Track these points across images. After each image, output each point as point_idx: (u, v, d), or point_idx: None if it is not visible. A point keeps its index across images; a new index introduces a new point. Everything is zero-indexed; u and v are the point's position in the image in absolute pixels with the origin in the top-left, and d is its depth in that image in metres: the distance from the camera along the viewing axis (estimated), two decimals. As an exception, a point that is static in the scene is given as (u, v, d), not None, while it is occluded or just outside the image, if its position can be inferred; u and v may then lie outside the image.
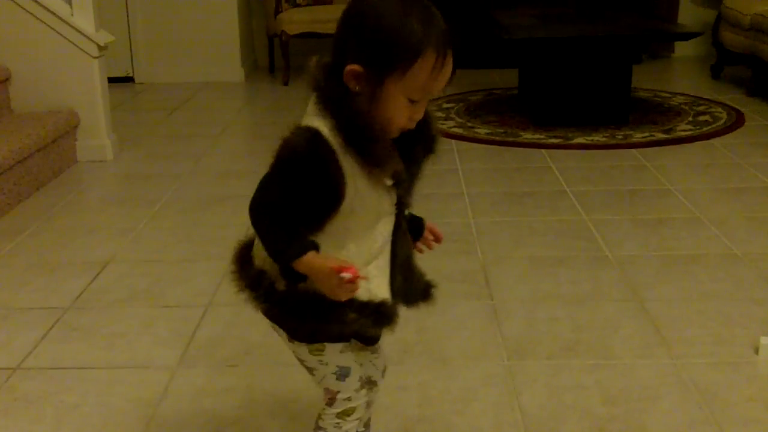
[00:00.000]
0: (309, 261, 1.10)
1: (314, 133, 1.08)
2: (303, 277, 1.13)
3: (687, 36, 4.33)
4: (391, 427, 1.64)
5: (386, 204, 1.17)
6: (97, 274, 2.44)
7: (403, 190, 1.16)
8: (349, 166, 1.09)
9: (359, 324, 1.16)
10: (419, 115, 1.12)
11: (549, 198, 3.02)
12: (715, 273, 2.34)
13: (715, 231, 2.65)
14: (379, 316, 1.17)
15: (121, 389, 1.82)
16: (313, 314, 1.15)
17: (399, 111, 1.10)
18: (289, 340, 1.24)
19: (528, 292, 2.25)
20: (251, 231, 1.25)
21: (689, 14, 5.68)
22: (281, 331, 1.24)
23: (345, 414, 1.28)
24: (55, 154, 3.43)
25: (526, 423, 1.66)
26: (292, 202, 1.10)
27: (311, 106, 1.12)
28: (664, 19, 5.28)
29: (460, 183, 3.20)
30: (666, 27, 4.57)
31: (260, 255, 1.19)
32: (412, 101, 1.10)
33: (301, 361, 1.26)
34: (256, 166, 3.59)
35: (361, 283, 1.12)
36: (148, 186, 3.30)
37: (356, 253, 1.16)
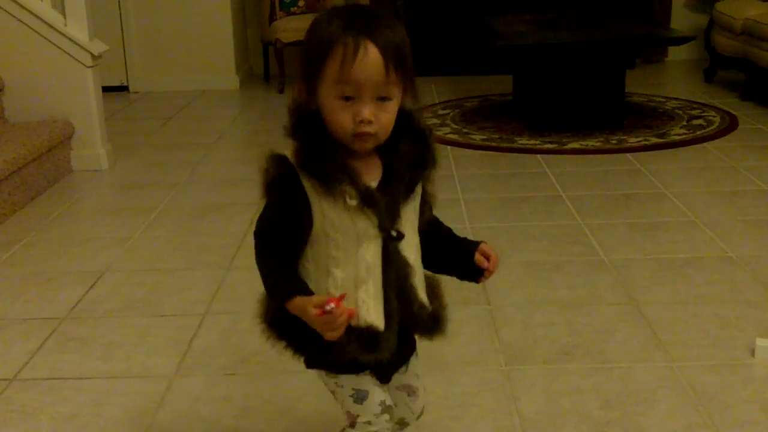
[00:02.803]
0: (296, 304, 1.12)
1: (280, 158, 1.13)
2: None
3: (680, 41, 4.35)
4: (389, 433, 1.64)
5: (363, 227, 1.14)
6: (93, 284, 2.43)
7: (379, 211, 1.14)
8: (312, 188, 1.12)
9: (349, 350, 1.15)
10: (362, 116, 1.10)
11: (544, 203, 3.03)
12: (711, 276, 2.34)
13: (710, 234, 2.65)
14: (367, 341, 1.16)
15: (117, 399, 1.82)
16: (309, 341, 1.16)
17: (338, 113, 1.11)
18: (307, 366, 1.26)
19: (525, 297, 2.25)
20: None
21: (682, 19, 5.71)
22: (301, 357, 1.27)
23: None
24: (49, 163, 3.42)
25: (524, 428, 1.66)
26: (276, 227, 1.15)
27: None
28: (657, 24, 5.30)
29: (456, 189, 3.20)
30: (659, 32, 4.59)
31: None
32: (346, 99, 1.10)
33: (325, 385, 1.28)
34: (252, 174, 3.57)
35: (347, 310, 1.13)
36: (144, 195, 3.29)
37: (342, 279, 1.16)
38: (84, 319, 2.21)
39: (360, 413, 1.24)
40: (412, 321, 1.23)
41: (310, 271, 1.17)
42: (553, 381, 1.82)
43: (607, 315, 2.13)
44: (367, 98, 1.10)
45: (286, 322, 1.18)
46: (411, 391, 1.34)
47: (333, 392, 1.27)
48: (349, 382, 1.23)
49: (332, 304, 1.08)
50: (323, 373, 1.25)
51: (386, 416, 1.26)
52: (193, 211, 3.08)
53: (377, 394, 1.25)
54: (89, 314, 2.24)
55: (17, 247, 2.75)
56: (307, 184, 1.12)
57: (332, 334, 1.11)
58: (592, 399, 1.75)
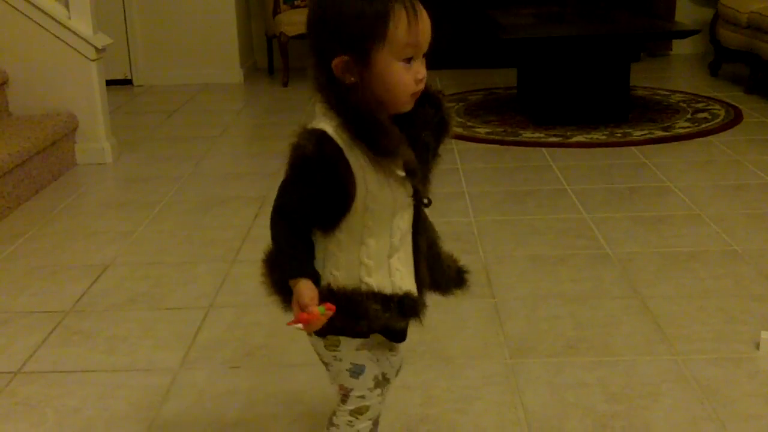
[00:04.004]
0: (297, 287, 1.13)
1: (320, 134, 1.10)
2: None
3: (685, 34, 4.33)
4: (395, 426, 1.64)
5: (401, 197, 1.17)
6: (98, 277, 2.44)
7: (417, 180, 1.16)
8: (357, 162, 1.11)
9: (386, 317, 1.18)
10: (422, 74, 1.13)
11: (549, 197, 3.02)
12: (716, 270, 2.34)
13: (714, 228, 2.65)
14: (404, 308, 1.19)
15: (122, 392, 1.82)
16: (340, 311, 1.15)
17: (400, 77, 1.11)
18: (309, 333, 1.24)
19: (529, 290, 2.25)
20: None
21: (687, 12, 5.69)
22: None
23: (358, 412, 1.28)
24: (54, 157, 3.43)
25: (529, 421, 1.66)
26: (306, 204, 1.13)
27: (317, 108, 1.14)
28: (662, 17, 5.28)
29: (460, 182, 3.20)
30: (664, 25, 4.57)
31: None
32: (407, 61, 1.11)
33: (319, 355, 1.27)
34: (257, 167, 3.59)
35: (385, 277, 1.16)
36: (148, 188, 3.29)
37: (376, 249, 1.17)
38: (88, 313, 2.22)
39: (354, 387, 1.26)
40: (444, 280, 1.26)
41: (342, 241, 1.16)
42: (558, 374, 1.82)
43: (612, 308, 2.13)
44: (420, 57, 1.13)
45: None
46: (392, 347, 1.36)
47: (327, 364, 1.26)
48: (349, 356, 1.24)
49: (299, 325, 1.12)
50: (321, 344, 1.24)
51: (378, 390, 1.28)
52: (198, 204, 3.08)
53: (372, 369, 1.27)
54: (94, 308, 2.25)
55: (21, 241, 2.76)
56: (353, 159, 1.10)
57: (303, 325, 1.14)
58: (596, 392, 1.74)
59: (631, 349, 1.92)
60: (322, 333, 1.21)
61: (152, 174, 3.50)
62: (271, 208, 1.17)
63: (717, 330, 2.00)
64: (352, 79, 1.11)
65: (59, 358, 1.98)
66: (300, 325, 1.12)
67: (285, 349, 1.97)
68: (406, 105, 1.14)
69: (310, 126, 1.12)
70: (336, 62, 1.10)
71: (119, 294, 2.32)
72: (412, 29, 1.09)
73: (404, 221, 1.19)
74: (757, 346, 1.90)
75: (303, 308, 1.12)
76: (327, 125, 1.11)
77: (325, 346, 1.24)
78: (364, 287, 1.16)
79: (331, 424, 1.30)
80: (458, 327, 2.04)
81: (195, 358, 1.96)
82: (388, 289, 1.17)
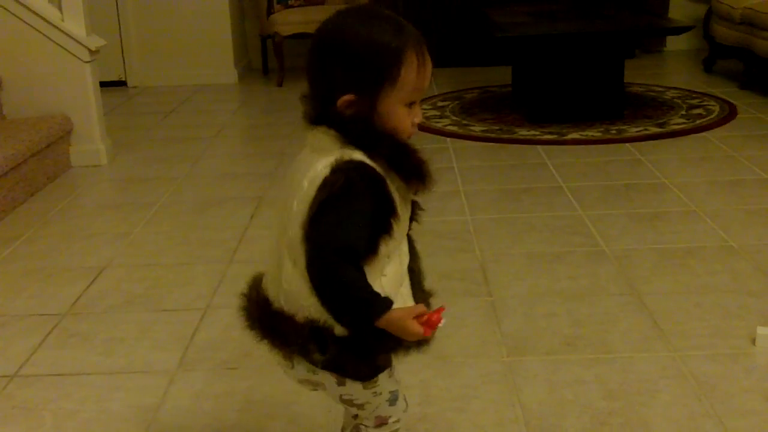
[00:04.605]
0: (392, 318, 1.08)
1: (361, 164, 1.09)
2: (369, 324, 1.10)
3: (678, 30, 4.34)
4: (392, 426, 1.64)
5: (407, 222, 1.17)
6: (94, 280, 2.43)
7: (418, 204, 1.18)
8: (394, 190, 1.11)
9: (411, 345, 1.17)
10: (419, 118, 1.14)
11: (545, 194, 3.02)
12: (712, 266, 2.34)
13: (710, 224, 2.65)
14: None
15: (120, 395, 1.82)
16: (384, 343, 1.12)
17: (402, 120, 1.12)
18: (339, 385, 1.19)
19: (526, 288, 2.25)
20: (253, 290, 1.26)
21: (680, 9, 5.69)
22: (329, 378, 1.19)
23: None
24: (49, 159, 3.42)
25: (527, 419, 1.66)
26: (363, 233, 1.08)
27: (325, 140, 1.11)
28: (656, 13, 5.28)
29: (456, 181, 3.20)
30: (657, 22, 4.58)
31: (302, 306, 1.14)
32: (410, 105, 1.12)
33: (348, 401, 1.22)
34: (253, 167, 3.59)
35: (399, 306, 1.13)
36: (144, 190, 3.29)
37: (393, 277, 1.15)
38: (85, 315, 2.21)
39: (392, 414, 1.26)
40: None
41: (368, 273, 1.11)
42: (556, 372, 1.82)
43: (609, 305, 2.13)
44: (419, 101, 1.14)
45: (352, 333, 1.12)
46: None
47: (363, 405, 1.22)
48: (387, 386, 1.22)
49: (444, 322, 1.08)
50: (359, 387, 1.19)
51: (408, 410, 1.29)
52: (194, 205, 3.07)
53: (401, 390, 1.27)
54: (91, 310, 2.24)
55: (17, 244, 2.75)
56: (392, 188, 1.10)
57: (428, 333, 1.10)
58: (594, 389, 1.75)
59: (629, 346, 1.92)
60: (364, 378, 1.19)
61: (148, 175, 3.50)
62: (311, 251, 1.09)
63: (714, 326, 2.00)
64: (363, 116, 1.11)
65: (56, 360, 1.98)
66: (444, 323, 1.09)
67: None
68: None
69: (342, 159, 1.08)
70: (343, 100, 1.09)
71: (116, 296, 2.32)
72: (420, 75, 1.11)
73: (406, 247, 1.19)
74: (754, 342, 1.90)
75: (423, 315, 1.08)
76: (358, 156, 1.09)
77: (363, 387, 1.20)
78: None
79: None
80: (455, 325, 2.04)
81: (192, 360, 1.95)
82: None
